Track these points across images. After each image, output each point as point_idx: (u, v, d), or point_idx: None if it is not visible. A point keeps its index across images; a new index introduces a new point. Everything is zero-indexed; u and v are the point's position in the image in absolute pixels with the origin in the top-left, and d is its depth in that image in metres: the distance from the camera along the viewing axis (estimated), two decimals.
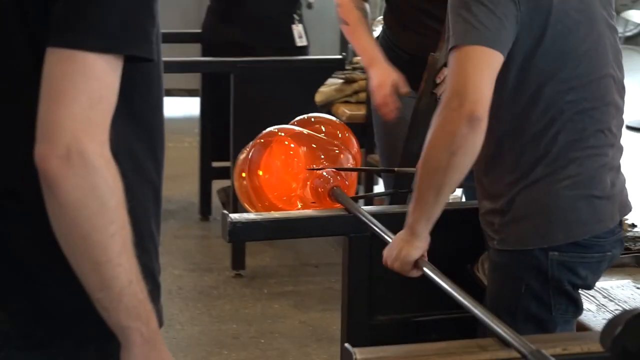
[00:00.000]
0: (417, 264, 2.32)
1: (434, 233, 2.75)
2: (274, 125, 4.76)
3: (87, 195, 1.50)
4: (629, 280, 2.85)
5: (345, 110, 5.13)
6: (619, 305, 2.69)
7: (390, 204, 3.04)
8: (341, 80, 5.35)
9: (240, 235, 2.62)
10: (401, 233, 2.35)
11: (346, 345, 2.02)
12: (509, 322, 2.36)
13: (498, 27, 2.21)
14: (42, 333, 1.66)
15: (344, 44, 8.58)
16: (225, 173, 5.44)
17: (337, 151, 2.87)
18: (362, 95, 5.23)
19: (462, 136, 2.16)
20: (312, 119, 3.07)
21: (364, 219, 2.59)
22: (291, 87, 4.95)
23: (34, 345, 1.66)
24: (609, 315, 2.63)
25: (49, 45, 1.53)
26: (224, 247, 5.23)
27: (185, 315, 4.31)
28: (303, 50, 5.38)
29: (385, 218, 2.59)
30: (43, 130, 1.51)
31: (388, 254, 2.37)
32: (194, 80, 6.14)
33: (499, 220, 2.38)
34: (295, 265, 5.09)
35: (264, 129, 4.82)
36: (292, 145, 2.87)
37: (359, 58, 5.78)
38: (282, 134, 2.92)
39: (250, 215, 2.62)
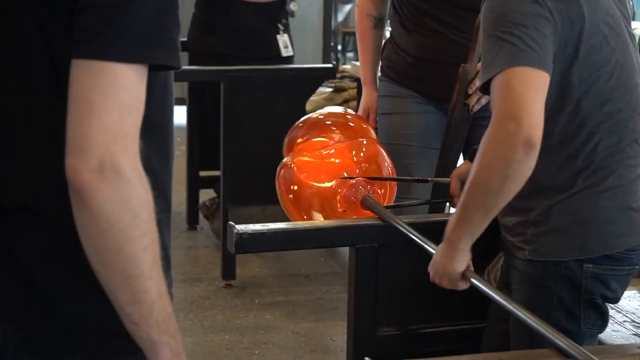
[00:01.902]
0: (464, 276, 2.31)
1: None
2: (264, 134, 4.80)
3: (120, 208, 1.48)
4: (635, 292, 2.84)
5: None
6: (627, 316, 2.68)
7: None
8: (330, 89, 5.35)
9: (246, 246, 2.58)
10: (442, 249, 2.34)
11: (367, 359, 1.99)
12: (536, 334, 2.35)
13: (543, 48, 2.20)
14: (52, 347, 1.64)
15: (326, 52, 8.60)
16: (213, 182, 5.42)
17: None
18: (352, 104, 5.24)
19: (517, 162, 2.13)
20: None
21: (401, 228, 2.57)
22: (281, 96, 4.92)
23: (44, 359, 1.64)
24: (618, 327, 2.63)
25: (75, 57, 1.50)
26: (212, 256, 5.21)
27: None
28: (289, 60, 5.35)
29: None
30: (74, 143, 1.48)
31: (434, 273, 2.36)
32: (177, 88, 6.11)
33: (533, 230, 2.36)
34: (285, 275, 5.06)
35: (254, 138, 4.84)
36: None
37: (346, 66, 5.80)
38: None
39: (257, 227, 2.58)
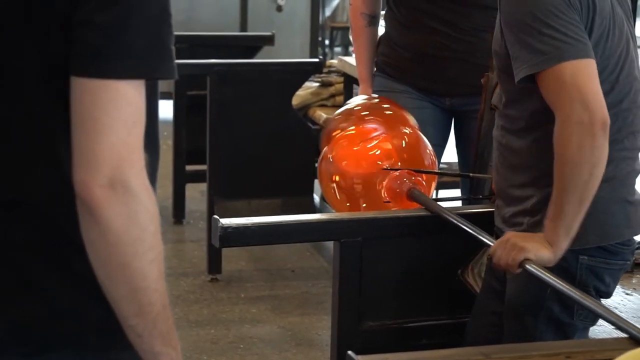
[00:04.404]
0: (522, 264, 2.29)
1: (425, 239, 2.76)
2: (250, 129, 4.79)
3: (129, 223, 1.49)
4: (617, 287, 2.84)
5: (322, 114, 5.12)
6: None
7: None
8: (317, 84, 5.34)
9: (231, 240, 2.58)
10: (535, 237, 2.31)
11: (349, 353, 1.99)
12: (529, 323, 2.38)
13: (582, 35, 2.25)
14: (40, 341, 1.63)
15: (313, 47, 8.60)
16: (199, 176, 5.40)
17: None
18: (339, 99, 5.22)
19: (600, 147, 2.20)
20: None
21: (450, 219, 2.59)
22: (268, 90, 4.92)
23: (32, 353, 1.63)
24: (601, 322, 2.63)
25: (75, 74, 1.50)
26: (198, 251, 5.21)
27: None
28: None
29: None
30: (82, 159, 1.49)
31: (509, 245, 2.32)
32: (163, 83, 6.07)
33: (529, 220, 2.38)
34: (271, 270, 5.06)
35: (241, 132, 4.84)
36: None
37: (333, 61, 5.79)
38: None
39: (241, 220, 2.58)
